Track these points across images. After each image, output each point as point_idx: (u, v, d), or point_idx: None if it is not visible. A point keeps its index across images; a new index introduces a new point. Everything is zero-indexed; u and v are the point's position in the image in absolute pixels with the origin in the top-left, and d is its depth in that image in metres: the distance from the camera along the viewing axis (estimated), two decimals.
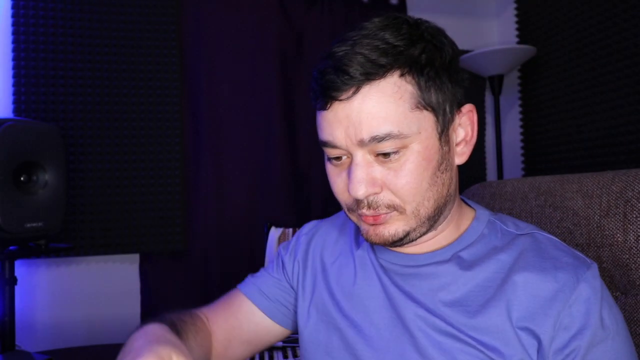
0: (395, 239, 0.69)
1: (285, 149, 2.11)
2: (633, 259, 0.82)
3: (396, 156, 0.65)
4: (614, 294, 0.86)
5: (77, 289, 1.89)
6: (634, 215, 0.82)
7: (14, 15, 1.81)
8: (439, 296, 0.69)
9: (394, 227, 0.68)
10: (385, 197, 0.67)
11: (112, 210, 1.88)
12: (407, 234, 0.69)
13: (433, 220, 0.70)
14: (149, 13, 1.96)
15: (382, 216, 0.68)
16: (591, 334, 0.63)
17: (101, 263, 1.93)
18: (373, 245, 0.76)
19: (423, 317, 0.68)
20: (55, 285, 1.87)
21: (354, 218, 0.72)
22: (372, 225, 0.69)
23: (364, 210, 0.68)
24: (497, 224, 0.75)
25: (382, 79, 0.64)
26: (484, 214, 0.76)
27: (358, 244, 0.79)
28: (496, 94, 2.11)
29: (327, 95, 0.66)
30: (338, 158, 0.69)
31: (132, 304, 1.93)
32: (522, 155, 2.26)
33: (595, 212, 0.87)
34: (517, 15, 2.26)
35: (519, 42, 2.24)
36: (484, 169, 2.41)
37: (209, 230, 2.03)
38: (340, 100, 0.65)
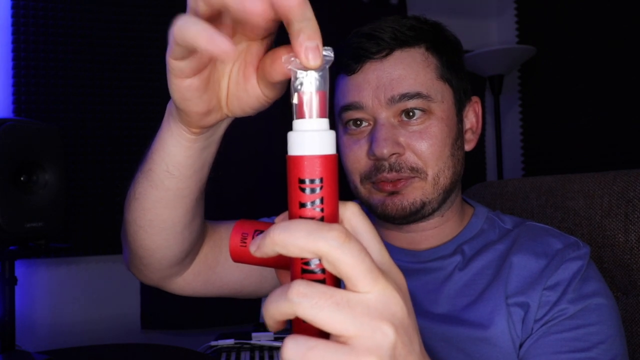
0: (413, 208, 0.69)
1: (286, 149, 2.10)
2: (634, 260, 0.82)
3: (420, 119, 0.68)
4: (615, 294, 0.86)
5: (77, 289, 1.89)
6: (636, 216, 0.82)
7: (14, 15, 1.81)
8: (442, 289, 0.70)
9: (412, 196, 0.69)
10: (409, 158, 0.68)
11: (112, 210, 1.88)
12: (424, 205, 0.70)
13: (446, 195, 0.71)
14: (149, 13, 1.96)
15: (403, 182, 0.68)
16: (573, 298, 0.65)
17: (101, 263, 1.92)
18: (384, 222, 0.75)
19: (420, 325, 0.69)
20: (55, 285, 1.86)
21: (365, 192, 0.72)
22: (390, 195, 0.69)
23: (385, 174, 0.68)
24: (495, 221, 0.77)
25: (411, 48, 0.69)
26: (482, 210, 0.78)
27: None
28: (496, 94, 2.11)
29: (359, 56, 0.69)
30: (358, 124, 0.71)
31: (132, 304, 1.93)
32: (522, 155, 2.26)
33: (596, 212, 0.87)
34: (517, 15, 2.26)
35: (518, 42, 2.24)
36: (484, 169, 2.41)
37: None
38: (373, 60, 0.69)
